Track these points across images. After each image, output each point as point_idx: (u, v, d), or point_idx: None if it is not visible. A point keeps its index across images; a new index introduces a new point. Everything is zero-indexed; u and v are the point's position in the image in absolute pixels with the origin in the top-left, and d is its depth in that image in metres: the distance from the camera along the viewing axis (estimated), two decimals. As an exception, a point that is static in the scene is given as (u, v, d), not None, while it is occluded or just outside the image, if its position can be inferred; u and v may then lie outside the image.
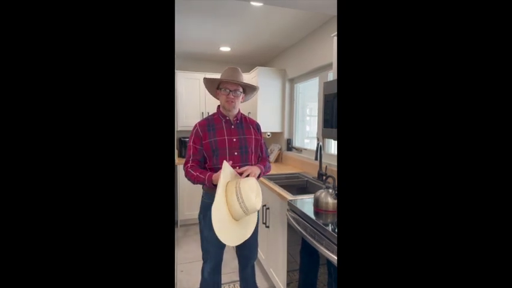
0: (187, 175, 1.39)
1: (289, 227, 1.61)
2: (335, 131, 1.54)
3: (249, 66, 3.66)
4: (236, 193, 1.19)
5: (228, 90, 1.40)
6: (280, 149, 3.27)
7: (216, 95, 1.51)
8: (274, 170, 2.66)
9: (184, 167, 1.42)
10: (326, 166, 2.19)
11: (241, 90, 1.44)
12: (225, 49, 3.14)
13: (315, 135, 2.64)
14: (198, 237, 1.56)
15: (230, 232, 1.20)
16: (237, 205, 1.18)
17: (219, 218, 1.16)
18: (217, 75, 1.49)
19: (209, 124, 1.45)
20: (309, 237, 1.30)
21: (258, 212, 1.46)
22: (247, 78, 3.26)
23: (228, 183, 1.26)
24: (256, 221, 1.39)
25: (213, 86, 1.47)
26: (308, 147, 2.83)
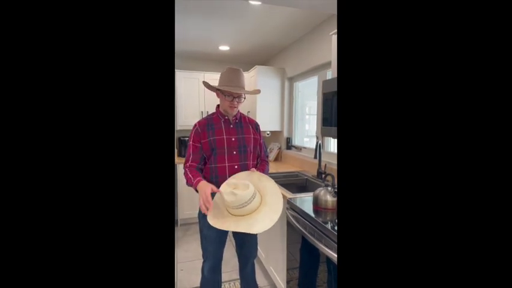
0: (184, 176, 1.41)
1: (289, 225, 1.61)
2: (334, 129, 1.55)
3: (248, 65, 3.66)
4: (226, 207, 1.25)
5: (232, 97, 1.40)
6: (279, 148, 3.28)
7: (216, 95, 1.50)
8: (274, 168, 2.66)
9: (184, 166, 1.43)
10: (325, 164, 2.20)
11: (244, 96, 1.44)
12: (224, 48, 3.14)
13: (314, 133, 2.65)
14: (198, 236, 1.57)
15: (247, 220, 1.20)
16: (232, 210, 1.22)
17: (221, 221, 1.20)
18: (217, 75, 1.49)
19: (208, 123, 1.45)
20: (309, 235, 1.31)
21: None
22: (246, 77, 3.24)
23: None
24: (277, 208, 1.26)
25: (213, 88, 1.47)
26: (307, 145, 2.84)
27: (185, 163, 1.43)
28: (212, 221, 1.22)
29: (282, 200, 1.29)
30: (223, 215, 1.25)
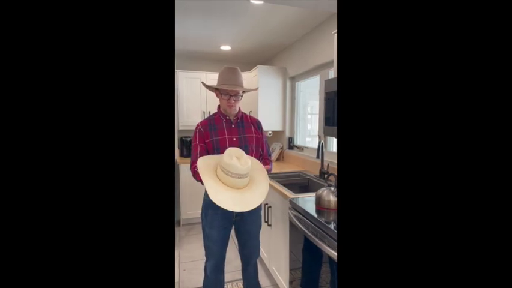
0: (196, 176, 1.33)
1: (292, 225, 1.61)
2: (336, 129, 1.54)
3: (250, 65, 3.66)
4: (220, 166, 1.25)
5: (229, 96, 1.40)
6: (281, 148, 3.27)
7: (215, 95, 1.50)
8: (276, 168, 2.66)
9: (191, 168, 1.38)
10: (328, 164, 2.19)
11: (241, 93, 1.44)
12: (226, 48, 3.14)
13: (316, 133, 2.64)
14: (200, 236, 1.57)
15: (230, 199, 1.20)
16: (222, 174, 1.22)
17: (215, 189, 1.20)
18: (218, 75, 1.49)
19: (210, 124, 1.45)
20: (311, 236, 1.30)
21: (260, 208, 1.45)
22: (247, 76, 3.25)
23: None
24: (262, 192, 1.28)
25: (212, 88, 1.47)
26: (310, 145, 2.83)
27: (192, 164, 1.39)
28: (212, 195, 1.19)
29: (267, 182, 1.33)
30: (220, 189, 1.23)
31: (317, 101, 2.54)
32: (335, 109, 1.55)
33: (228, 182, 1.21)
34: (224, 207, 1.15)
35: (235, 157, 1.22)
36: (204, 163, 1.29)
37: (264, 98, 3.06)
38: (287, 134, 3.21)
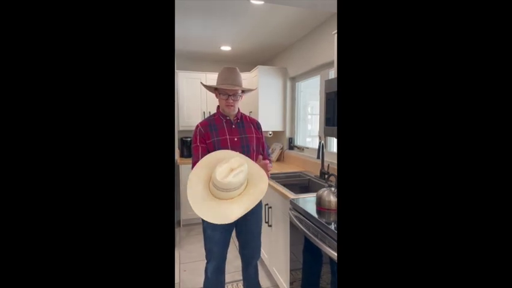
0: None
1: (292, 226, 1.60)
2: (336, 129, 1.54)
3: (250, 65, 3.66)
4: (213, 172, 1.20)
5: (227, 95, 1.40)
6: (282, 148, 3.27)
7: (215, 95, 1.50)
8: (276, 169, 2.66)
9: (192, 169, 1.37)
10: (328, 164, 2.19)
11: (240, 92, 1.43)
12: (226, 48, 3.14)
13: (316, 133, 2.63)
14: (200, 237, 1.57)
15: (210, 209, 1.17)
16: (211, 183, 1.19)
17: (195, 195, 1.18)
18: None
19: (210, 124, 1.45)
20: (312, 236, 1.30)
21: (261, 204, 1.46)
22: (248, 77, 3.25)
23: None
24: (250, 203, 1.21)
25: (211, 88, 1.47)
26: (310, 145, 2.83)
27: (194, 165, 1.37)
28: (194, 206, 1.17)
29: (263, 192, 1.24)
30: (203, 196, 1.20)
31: (317, 102, 2.54)
32: (335, 109, 1.55)
33: (220, 195, 1.18)
34: (203, 218, 1.15)
35: (227, 168, 1.16)
36: (207, 161, 1.27)
37: (264, 99, 3.06)
38: (287, 135, 3.20)
